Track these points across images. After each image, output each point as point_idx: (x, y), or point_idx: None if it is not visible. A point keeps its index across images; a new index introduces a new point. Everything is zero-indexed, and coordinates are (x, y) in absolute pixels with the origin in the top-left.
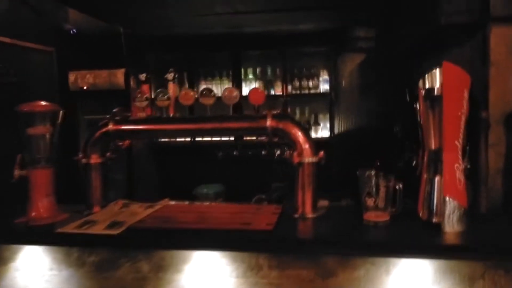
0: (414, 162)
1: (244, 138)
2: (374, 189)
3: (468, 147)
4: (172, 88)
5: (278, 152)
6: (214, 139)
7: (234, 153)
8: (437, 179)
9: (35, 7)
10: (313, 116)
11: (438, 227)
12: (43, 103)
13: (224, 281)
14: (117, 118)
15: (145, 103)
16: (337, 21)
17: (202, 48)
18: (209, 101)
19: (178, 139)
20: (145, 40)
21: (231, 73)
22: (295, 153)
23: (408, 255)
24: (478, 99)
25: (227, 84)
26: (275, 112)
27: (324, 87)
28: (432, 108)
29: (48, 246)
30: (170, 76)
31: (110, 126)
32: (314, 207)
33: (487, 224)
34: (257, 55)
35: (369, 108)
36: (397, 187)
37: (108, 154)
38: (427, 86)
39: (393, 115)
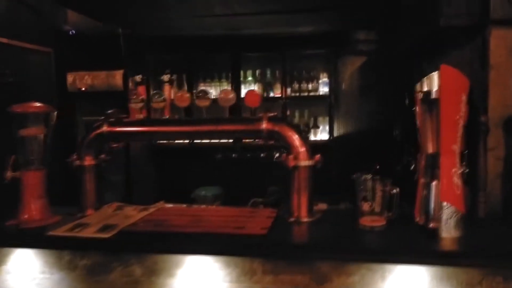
0: (413, 166)
1: (243, 140)
2: (370, 193)
3: (466, 151)
4: (167, 89)
5: (277, 154)
6: (212, 141)
7: (233, 155)
8: (434, 183)
9: (34, 7)
10: (312, 118)
11: (435, 233)
12: (36, 104)
13: (217, 286)
14: (111, 120)
15: (140, 105)
16: (337, 24)
17: (201, 49)
18: (205, 103)
19: (176, 141)
20: (144, 42)
21: (230, 75)
22: (290, 157)
23: (404, 261)
24: (478, 102)
25: (226, 86)
26: (271, 114)
27: (323, 89)
28: (430, 112)
29: (39, 249)
30: (166, 77)
31: (104, 128)
32: (310, 211)
33: (486, 230)
34: (256, 57)
35: (368, 111)
36: (393, 191)
37: (102, 156)
38: (425, 89)
39: (393, 118)
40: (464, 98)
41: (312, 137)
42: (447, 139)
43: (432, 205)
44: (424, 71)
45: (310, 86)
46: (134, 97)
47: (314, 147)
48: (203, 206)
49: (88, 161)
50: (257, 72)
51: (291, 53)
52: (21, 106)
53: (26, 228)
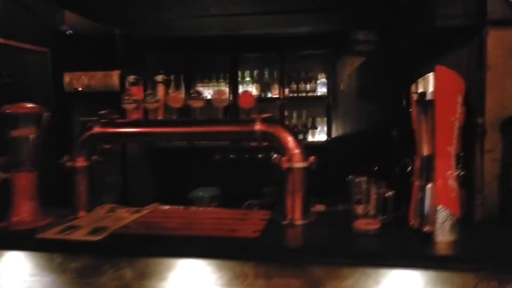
0: (410, 167)
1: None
2: (364, 196)
3: (463, 153)
4: (161, 90)
5: (275, 155)
6: (210, 142)
7: (231, 156)
8: (429, 186)
9: (31, 7)
10: (310, 119)
11: (430, 236)
12: (28, 104)
13: None
14: (103, 120)
15: (133, 106)
16: (336, 24)
17: (199, 50)
18: (199, 104)
19: (171, 142)
20: (141, 42)
21: (228, 75)
22: (284, 158)
23: (398, 266)
24: (475, 104)
25: (224, 87)
26: (265, 116)
27: (322, 90)
28: (425, 113)
29: (29, 252)
30: (160, 78)
31: (96, 129)
32: (304, 213)
33: (482, 233)
34: (254, 57)
35: (367, 111)
36: (387, 194)
37: (95, 157)
38: (420, 90)
39: (391, 119)
40: (459, 99)
41: (310, 138)
42: (442, 141)
43: (427, 208)
44: (422, 72)
45: (308, 86)
46: (127, 97)
47: (312, 148)
48: (197, 208)
49: (80, 162)
50: (255, 72)
51: (289, 54)
52: (12, 107)
53: (16, 230)
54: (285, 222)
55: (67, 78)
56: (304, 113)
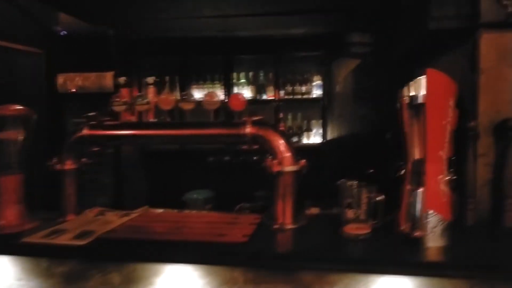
0: (403, 171)
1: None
2: (355, 200)
3: (454, 158)
4: (152, 92)
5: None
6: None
7: (225, 158)
8: (419, 191)
9: (24, 8)
10: (305, 121)
11: (420, 242)
12: (15, 106)
13: None
14: (92, 123)
15: (123, 108)
16: (332, 26)
17: (194, 51)
18: (189, 106)
19: (166, 144)
20: (136, 43)
21: (223, 77)
22: (274, 162)
23: (387, 272)
24: (468, 107)
25: (219, 88)
26: (255, 118)
27: (317, 92)
28: (416, 117)
29: (13, 256)
30: (150, 79)
31: (84, 131)
32: (295, 217)
33: (474, 239)
34: (249, 59)
35: (362, 114)
36: (378, 198)
37: (83, 159)
38: (411, 94)
39: (386, 122)
40: (451, 102)
41: (305, 141)
42: (433, 145)
43: (417, 213)
44: (416, 74)
45: (303, 88)
46: (117, 99)
47: (307, 151)
48: (187, 212)
49: (68, 164)
50: (250, 74)
51: (284, 55)
52: None
53: (1, 234)
54: (275, 227)
55: (60, 79)
56: (299, 115)
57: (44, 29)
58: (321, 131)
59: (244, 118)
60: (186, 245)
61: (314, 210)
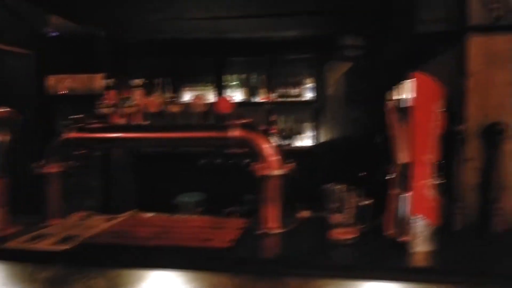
0: (391, 175)
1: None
2: (341, 205)
3: (443, 162)
4: (139, 94)
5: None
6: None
7: (217, 161)
8: (405, 195)
9: (14, 9)
10: (297, 124)
11: (407, 247)
12: (0, 108)
13: None
14: (77, 125)
15: (109, 110)
16: (324, 29)
17: (186, 53)
18: (176, 109)
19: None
20: (127, 45)
21: (215, 79)
22: (260, 165)
23: (373, 277)
24: (456, 111)
25: (211, 91)
26: (242, 121)
27: (309, 95)
28: (403, 120)
29: None
30: (138, 81)
31: (69, 134)
32: (282, 221)
33: (461, 243)
34: (241, 61)
35: (354, 117)
36: (365, 203)
37: (69, 162)
38: (398, 97)
39: (378, 125)
40: (438, 106)
41: (297, 143)
42: (420, 149)
43: (404, 217)
44: (406, 77)
45: (295, 91)
46: (104, 102)
47: (299, 153)
48: (174, 216)
49: (53, 168)
50: (242, 76)
51: (276, 58)
52: None
53: None
54: (261, 231)
55: (50, 80)
56: (292, 118)
57: (34, 31)
58: (313, 133)
59: (230, 121)
60: (171, 250)
61: (306, 213)
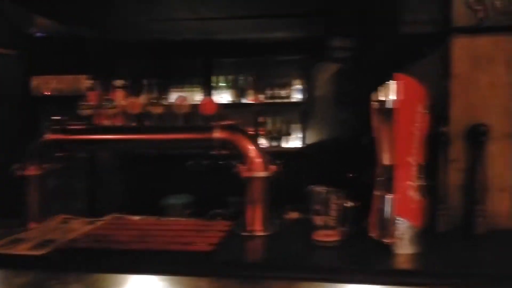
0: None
1: None
2: (324, 206)
3: (427, 163)
4: (120, 95)
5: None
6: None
7: (204, 163)
8: (389, 197)
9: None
10: (285, 125)
11: (390, 249)
12: None
13: None
14: (56, 127)
15: (89, 111)
16: (312, 30)
17: (173, 54)
18: (158, 110)
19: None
20: (113, 46)
21: (202, 80)
22: (244, 167)
23: (355, 281)
24: (440, 113)
25: (199, 92)
26: (226, 123)
27: (297, 96)
28: (386, 122)
29: None
30: (118, 82)
31: (48, 136)
32: (266, 224)
33: (445, 245)
34: (229, 62)
35: (343, 118)
36: (349, 204)
37: (48, 165)
38: (381, 98)
39: (367, 127)
40: (421, 108)
41: (284, 144)
42: (402, 151)
43: (387, 219)
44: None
45: (283, 92)
46: (87, 103)
47: (287, 154)
48: (156, 219)
49: (32, 170)
50: (230, 78)
51: (264, 59)
52: None
53: None
54: (245, 234)
55: (34, 82)
56: (279, 119)
57: (20, 31)
58: (301, 135)
59: (213, 123)
60: (152, 254)
61: (294, 215)
